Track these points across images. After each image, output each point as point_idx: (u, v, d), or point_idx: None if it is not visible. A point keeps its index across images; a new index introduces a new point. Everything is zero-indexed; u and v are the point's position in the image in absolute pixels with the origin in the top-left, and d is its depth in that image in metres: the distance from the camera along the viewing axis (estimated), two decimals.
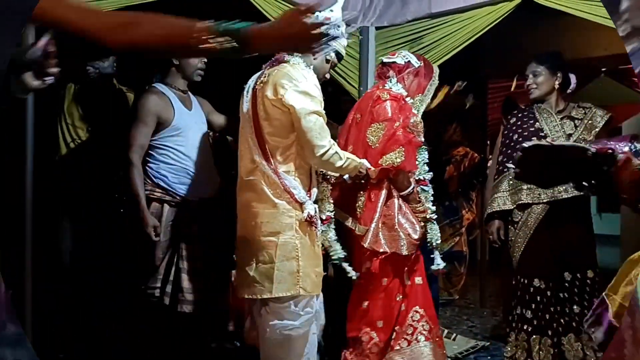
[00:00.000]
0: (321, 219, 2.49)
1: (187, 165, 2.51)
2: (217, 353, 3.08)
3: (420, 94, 2.81)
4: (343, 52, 2.61)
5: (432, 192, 2.77)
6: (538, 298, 2.82)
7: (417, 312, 2.70)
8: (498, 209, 3.00)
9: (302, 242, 2.25)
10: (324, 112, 2.30)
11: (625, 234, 7.22)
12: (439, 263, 2.78)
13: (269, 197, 2.23)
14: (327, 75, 2.60)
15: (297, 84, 2.21)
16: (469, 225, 4.99)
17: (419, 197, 2.71)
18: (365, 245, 2.58)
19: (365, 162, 2.53)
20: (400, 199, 2.67)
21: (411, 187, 2.67)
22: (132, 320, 2.55)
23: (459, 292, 4.99)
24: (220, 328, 2.88)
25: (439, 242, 2.75)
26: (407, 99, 2.75)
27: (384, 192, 2.65)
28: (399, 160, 2.59)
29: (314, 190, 2.36)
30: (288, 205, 2.24)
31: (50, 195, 2.77)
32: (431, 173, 2.79)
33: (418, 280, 2.73)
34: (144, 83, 2.75)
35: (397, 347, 2.65)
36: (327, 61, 2.54)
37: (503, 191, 3.01)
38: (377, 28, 3.51)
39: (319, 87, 2.33)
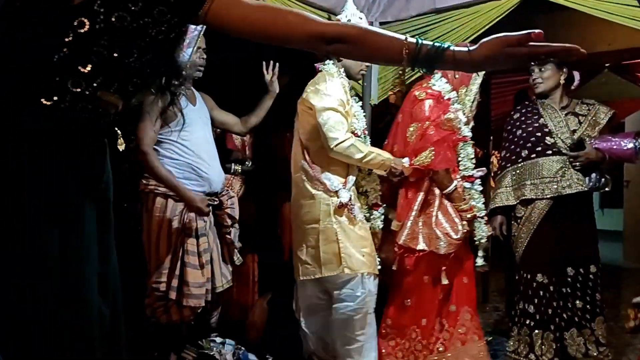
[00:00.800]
0: (371, 205, 2.79)
1: (191, 160, 2.52)
2: None
3: (464, 86, 2.78)
4: None
5: (481, 189, 2.77)
6: (541, 293, 2.83)
7: (467, 311, 2.74)
8: (501, 204, 3.01)
9: (341, 226, 2.54)
10: (342, 108, 2.54)
11: (627, 229, 7.25)
12: (480, 263, 2.77)
13: (308, 190, 2.57)
14: (365, 68, 2.81)
15: (317, 86, 2.57)
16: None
17: (464, 195, 2.69)
18: (400, 241, 2.68)
19: (398, 159, 2.65)
20: (443, 197, 2.68)
21: (452, 185, 2.66)
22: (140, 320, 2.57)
23: None
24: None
25: (484, 240, 2.73)
26: (451, 93, 2.74)
27: (422, 191, 2.69)
28: (428, 160, 2.62)
29: (350, 179, 2.60)
30: (324, 194, 2.56)
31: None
32: (484, 169, 2.79)
33: (465, 279, 2.74)
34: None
35: (452, 348, 2.70)
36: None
37: (506, 186, 3.02)
38: (381, 23, 3.50)
39: (344, 86, 2.62)
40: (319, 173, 2.56)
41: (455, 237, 2.61)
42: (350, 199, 2.54)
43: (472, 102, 2.78)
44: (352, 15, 2.73)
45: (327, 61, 2.67)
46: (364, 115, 2.87)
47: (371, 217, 2.81)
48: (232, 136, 3.42)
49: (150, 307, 2.53)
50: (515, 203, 2.96)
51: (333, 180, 2.56)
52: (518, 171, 2.97)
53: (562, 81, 2.94)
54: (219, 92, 2.93)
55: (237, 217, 2.75)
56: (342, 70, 2.67)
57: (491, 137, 4.78)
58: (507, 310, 3.81)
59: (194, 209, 2.48)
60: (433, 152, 2.62)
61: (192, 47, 1.23)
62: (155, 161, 2.44)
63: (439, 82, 2.75)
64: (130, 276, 2.65)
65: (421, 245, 2.62)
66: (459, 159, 2.73)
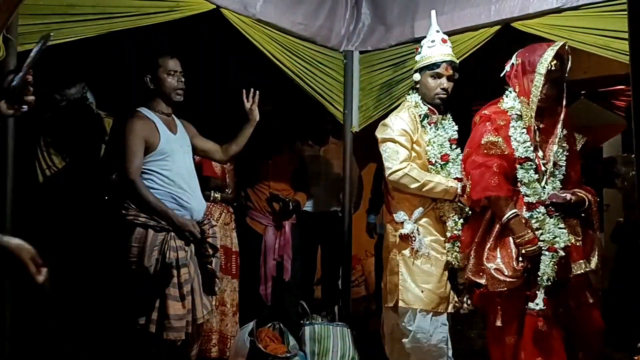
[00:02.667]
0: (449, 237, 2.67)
1: (172, 189, 2.49)
2: None
3: (525, 97, 2.40)
4: (444, 58, 2.72)
5: (554, 218, 2.32)
6: None
7: None
8: None
9: (403, 258, 2.62)
10: (403, 139, 2.65)
11: (607, 252, 7.32)
12: (537, 303, 2.27)
13: (386, 221, 2.76)
14: (441, 92, 2.73)
15: (385, 120, 2.77)
16: None
17: (527, 225, 2.31)
18: (466, 276, 2.52)
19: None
20: (502, 227, 2.36)
21: (507, 214, 2.32)
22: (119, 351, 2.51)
23: None
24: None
25: (545, 282, 2.26)
26: (519, 104, 2.40)
27: (484, 220, 2.45)
28: (468, 189, 2.47)
29: (418, 211, 2.64)
30: (391, 226, 2.69)
31: (31, 222, 2.73)
32: (559, 195, 2.32)
33: (540, 325, 2.27)
34: (123, 107, 2.75)
35: None
36: (435, 76, 2.72)
37: None
38: (361, 52, 3.56)
39: (414, 115, 2.72)
40: (392, 204, 2.69)
41: (506, 273, 2.30)
42: (413, 232, 2.59)
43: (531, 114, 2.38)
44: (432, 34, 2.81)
45: (410, 91, 2.84)
46: (440, 144, 2.72)
47: (448, 250, 2.66)
48: (212, 163, 3.41)
49: (129, 340, 2.47)
50: None
51: (399, 212, 2.65)
52: None
53: None
54: (201, 119, 2.92)
55: (218, 247, 2.72)
56: (418, 99, 2.76)
57: None
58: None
59: (186, 234, 2.46)
60: (470, 180, 2.44)
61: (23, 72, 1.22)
62: (143, 189, 2.42)
63: (507, 99, 2.47)
64: (109, 308, 2.60)
65: (482, 280, 2.38)
66: (522, 180, 2.36)
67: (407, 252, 2.61)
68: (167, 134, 2.55)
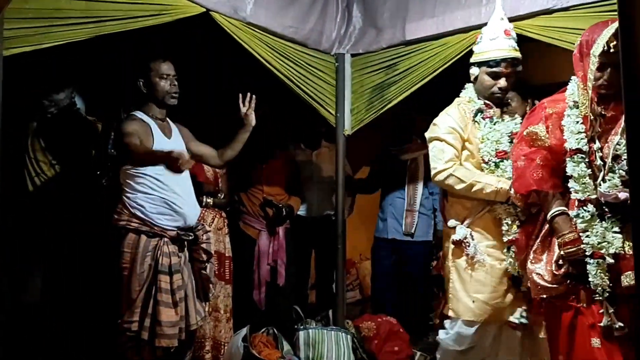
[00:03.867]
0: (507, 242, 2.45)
1: (166, 194, 2.47)
2: None
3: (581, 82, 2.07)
4: (504, 55, 2.50)
5: (608, 221, 1.96)
6: None
7: None
8: None
9: (455, 266, 2.49)
10: (450, 137, 2.50)
11: None
12: (607, 321, 1.92)
13: (443, 227, 2.66)
14: (502, 87, 2.53)
15: (435, 119, 2.61)
16: None
17: (571, 224, 2.01)
18: (523, 285, 2.36)
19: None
20: (549, 228, 2.11)
21: (552, 211, 2.05)
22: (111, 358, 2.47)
23: (438, 317, 4.96)
24: None
25: (602, 293, 1.93)
26: (580, 90, 2.05)
27: (538, 222, 2.19)
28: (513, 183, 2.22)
29: (471, 214, 2.50)
30: (446, 232, 2.57)
31: (21, 229, 2.70)
32: (612, 193, 1.93)
33: (594, 342, 1.94)
34: (113, 113, 2.73)
35: None
36: (492, 75, 2.52)
37: None
38: (352, 55, 3.55)
39: (464, 112, 2.56)
40: (446, 208, 2.57)
41: (546, 278, 2.04)
42: (466, 237, 2.43)
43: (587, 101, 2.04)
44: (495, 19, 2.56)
45: (466, 85, 2.64)
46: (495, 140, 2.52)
47: (506, 255, 2.45)
48: (204, 168, 3.39)
49: (121, 347, 2.43)
50: None
51: (452, 215, 2.52)
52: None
53: (527, 111, 2.99)
54: (197, 123, 2.90)
55: (212, 252, 2.69)
56: (473, 94, 2.59)
57: None
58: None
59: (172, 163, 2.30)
60: (513, 172, 2.21)
61: None
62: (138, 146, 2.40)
63: (571, 85, 2.14)
64: (101, 315, 2.57)
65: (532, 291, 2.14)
66: (573, 174, 2.03)
67: (461, 259, 2.46)
68: (161, 138, 2.53)
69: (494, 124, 2.54)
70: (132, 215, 2.44)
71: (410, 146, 4.00)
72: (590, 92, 2.00)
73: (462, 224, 2.47)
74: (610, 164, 1.98)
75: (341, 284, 3.61)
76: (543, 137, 2.10)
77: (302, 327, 3.33)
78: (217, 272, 3.25)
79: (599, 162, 2.00)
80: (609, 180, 1.97)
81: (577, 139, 2.03)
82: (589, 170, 2.01)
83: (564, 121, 2.07)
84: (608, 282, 1.92)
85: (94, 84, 3.26)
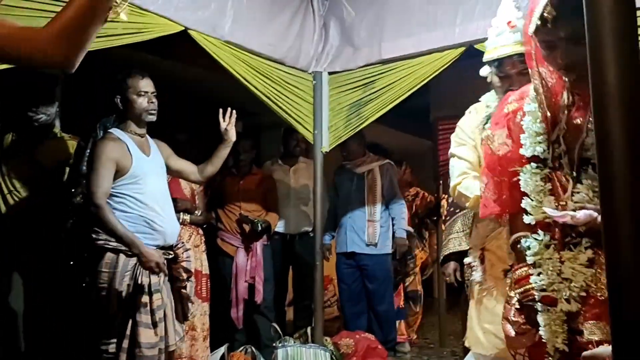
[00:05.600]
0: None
1: (145, 213, 2.44)
2: None
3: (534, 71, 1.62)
4: (507, 52, 2.02)
5: (566, 249, 1.46)
6: None
7: None
8: (454, 250, 3.04)
9: (471, 291, 2.14)
10: (461, 149, 2.18)
11: None
12: None
13: None
14: (498, 83, 2.07)
15: None
16: (422, 265, 5.06)
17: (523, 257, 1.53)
18: None
19: None
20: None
21: (511, 240, 1.62)
22: None
23: (415, 332, 4.99)
24: None
25: (552, 353, 1.44)
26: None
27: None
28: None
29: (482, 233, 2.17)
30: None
31: None
32: (562, 213, 1.43)
33: None
34: (89, 129, 2.70)
35: None
36: (500, 76, 2.05)
37: (457, 232, 3.06)
38: (330, 73, 3.60)
39: (478, 111, 2.19)
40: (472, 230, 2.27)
41: (510, 326, 1.53)
42: (471, 262, 2.16)
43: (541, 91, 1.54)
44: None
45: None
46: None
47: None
48: (181, 185, 3.37)
49: None
50: (467, 248, 3.00)
51: (473, 238, 2.20)
52: (467, 216, 3.03)
53: None
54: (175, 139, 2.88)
55: (192, 271, 2.67)
56: (490, 97, 2.16)
57: (440, 182, 4.90)
58: (464, 355, 3.80)
59: (152, 266, 2.37)
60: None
61: None
62: (109, 215, 2.35)
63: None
64: (79, 337, 2.51)
65: None
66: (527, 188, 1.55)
67: (476, 285, 2.12)
68: (139, 156, 2.50)
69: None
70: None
71: (364, 159, 4.12)
72: (536, 81, 1.52)
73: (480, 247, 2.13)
74: (576, 173, 1.51)
75: (319, 300, 3.61)
76: (492, 143, 1.66)
77: (280, 345, 3.31)
78: (194, 290, 3.21)
79: (567, 170, 1.52)
80: (577, 194, 1.49)
81: (532, 143, 1.56)
82: (549, 185, 1.53)
83: (524, 119, 1.59)
84: (564, 337, 1.42)
85: (71, 100, 3.22)
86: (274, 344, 3.36)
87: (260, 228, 3.61)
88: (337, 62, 3.58)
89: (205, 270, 3.43)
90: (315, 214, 3.67)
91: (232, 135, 2.78)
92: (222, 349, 3.16)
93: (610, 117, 0.82)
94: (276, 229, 3.91)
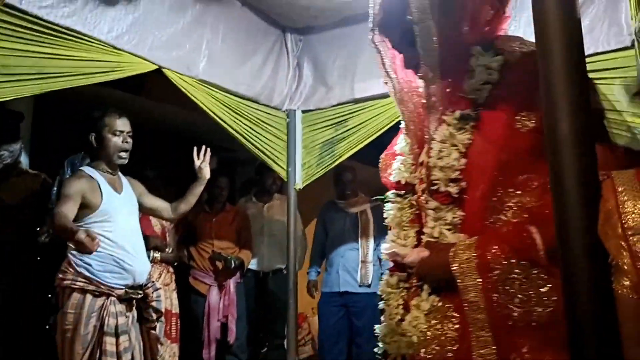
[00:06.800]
0: None
1: (114, 252, 2.40)
2: None
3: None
4: None
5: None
6: None
7: None
8: None
9: None
10: None
11: None
12: None
13: None
14: None
15: None
16: None
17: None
18: None
19: None
20: None
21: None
22: None
23: None
24: None
25: None
26: None
27: None
28: None
29: None
30: None
31: None
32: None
33: None
34: (58, 167, 2.67)
35: None
36: None
37: None
38: (303, 111, 3.65)
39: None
40: None
41: None
42: None
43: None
44: None
45: None
46: None
47: None
48: (152, 222, 3.33)
49: None
50: None
51: None
52: None
53: None
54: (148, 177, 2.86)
55: (162, 311, 2.61)
56: None
57: None
58: None
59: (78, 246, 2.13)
60: None
61: None
62: (61, 213, 2.22)
63: None
64: None
65: None
66: None
67: None
68: (110, 194, 2.48)
69: None
70: (77, 273, 2.34)
71: (357, 199, 4.12)
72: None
73: None
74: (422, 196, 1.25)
75: (293, 339, 3.56)
76: (384, 170, 1.45)
77: None
78: (163, 331, 3.14)
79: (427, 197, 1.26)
80: (430, 225, 1.22)
81: (397, 168, 1.35)
82: (407, 213, 1.32)
83: (398, 141, 1.41)
84: None
85: (41, 137, 3.19)
86: None
87: (233, 265, 3.58)
88: (311, 100, 3.63)
89: (175, 309, 3.36)
90: (289, 251, 3.65)
91: (206, 173, 2.79)
92: None
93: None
94: (249, 267, 3.87)
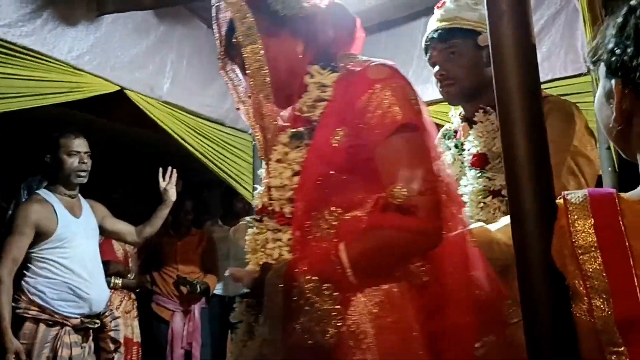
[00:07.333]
0: None
1: (69, 279, 2.31)
2: None
3: None
4: (427, 36, 1.59)
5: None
6: None
7: None
8: None
9: None
10: None
11: None
12: None
13: None
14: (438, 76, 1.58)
15: None
16: None
17: None
18: None
19: None
20: None
21: None
22: None
23: None
24: None
25: None
26: None
27: None
28: None
29: None
30: None
31: None
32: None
33: None
34: (11, 191, 2.59)
35: None
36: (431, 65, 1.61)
37: None
38: None
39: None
40: None
41: None
42: None
43: None
44: None
45: None
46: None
47: None
48: (114, 247, 3.24)
49: None
50: None
51: None
52: None
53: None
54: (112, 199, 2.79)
55: (121, 341, 2.52)
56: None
57: None
58: None
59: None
60: None
61: None
62: (4, 295, 2.18)
63: None
64: None
65: None
66: None
67: None
68: (67, 218, 2.40)
69: (455, 150, 1.59)
70: (30, 302, 2.25)
71: None
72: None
73: None
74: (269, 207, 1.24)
75: None
76: None
77: None
78: None
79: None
80: (270, 246, 1.21)
81: (258, 193, 1.31)
82: (265, 236, 1.26)
83: None
84: None
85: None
86: None
87: (199, 290, 3.50)
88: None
89: (137, 338, 3.26)
90: None
91: (172, 195, 2.74)
92: None
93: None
94: (215, 291, 3.80)
